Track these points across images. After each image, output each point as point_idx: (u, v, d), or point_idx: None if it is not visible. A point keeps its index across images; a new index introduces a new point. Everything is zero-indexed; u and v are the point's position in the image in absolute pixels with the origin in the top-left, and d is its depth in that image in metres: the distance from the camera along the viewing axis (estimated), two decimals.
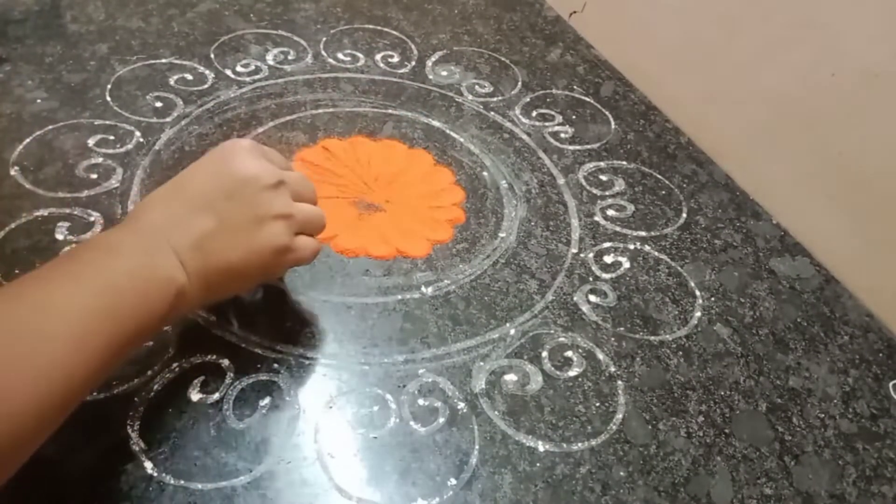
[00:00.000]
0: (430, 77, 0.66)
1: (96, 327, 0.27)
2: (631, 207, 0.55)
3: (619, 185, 0.57)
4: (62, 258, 0.31)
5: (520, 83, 0.67)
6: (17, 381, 0.24)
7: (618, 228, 0.53)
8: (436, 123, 0.60)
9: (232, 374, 0.39)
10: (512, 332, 0.44)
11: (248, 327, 0.41)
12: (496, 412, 0.39)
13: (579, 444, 0.39)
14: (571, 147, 0.61)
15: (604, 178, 0.58)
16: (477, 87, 0.66)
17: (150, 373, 0.38)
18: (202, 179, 0.34)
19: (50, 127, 0.52)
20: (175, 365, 0.38)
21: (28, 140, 0.51)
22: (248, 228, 0.34)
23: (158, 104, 0.56)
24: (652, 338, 0.45)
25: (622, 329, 0.46)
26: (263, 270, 0.36)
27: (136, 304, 0.29)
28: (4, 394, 0.24)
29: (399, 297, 0.45)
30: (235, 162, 0.35)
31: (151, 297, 0.30)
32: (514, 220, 0.52)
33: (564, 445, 0.38)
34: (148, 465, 0.34)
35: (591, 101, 0.67)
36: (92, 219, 0.46)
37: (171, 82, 0.59)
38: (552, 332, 0.44)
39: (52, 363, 0.26)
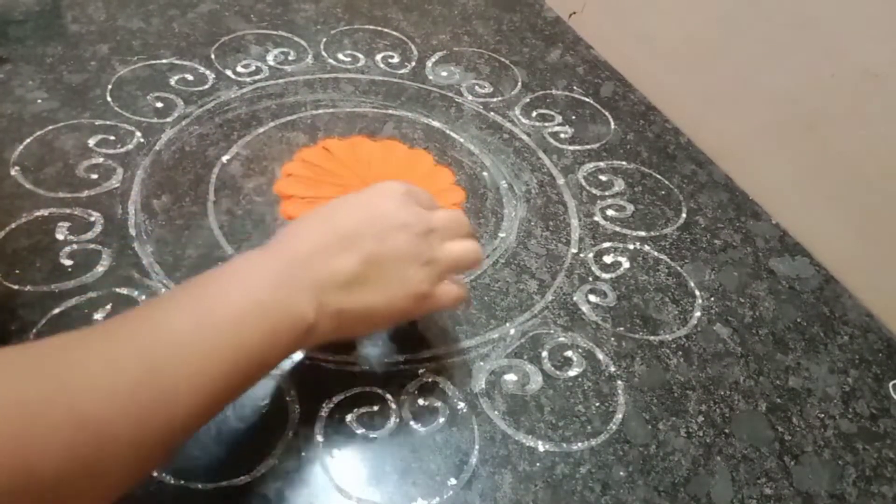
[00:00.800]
0: (430, 77, 0.66)
1: (207, 361, 0.26)
2: (631, 207, 0.55)
3: (619, 185, 0.57)
4: (197, 281, 0.29)
5: (520, 83, 0.67)
6: (110, 414, 0.23)
7: (617, 228, 0.53)
8: (436, 124, 0.60)
9: None
10: (512, 332, 0.44)
11: None
12: (496, 412, 0.39)
13: (579, 444, 0.39)
14: (571, 147, 0.61)
15: (603, 178, 0.58)
16: (477, 87, 0.66)
17: None
18: (351, 217, 0.34)
19: (50, 127, 0.52)
20: None
21: (28, 140, 0.51)
22: (392, 273, 0.33)
23: (159, 104, 0.56)
24: (652, 338, 0.45)
25: (622, 329, 0.46)
26: (400, 316, 0.35)
27: (262, 340, 0.28)
28: (89, 427, 0.23)
29: None
30: (387, 205, 0.34)
31: (279, 334, 0.29)
32: (514, 220, 0.52)
33: (564, 445, 0.38)
34: None
35: (591, 102, 0.67)
36: (92, 219, 0.46)
37: (172, 83, 0.59)
38: (552, 332, 0.44)
39: (154, 397, 0.25)
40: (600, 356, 0.44)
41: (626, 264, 0.50)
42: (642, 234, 0.53)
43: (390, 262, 0.33)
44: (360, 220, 0.33)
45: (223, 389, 0.27)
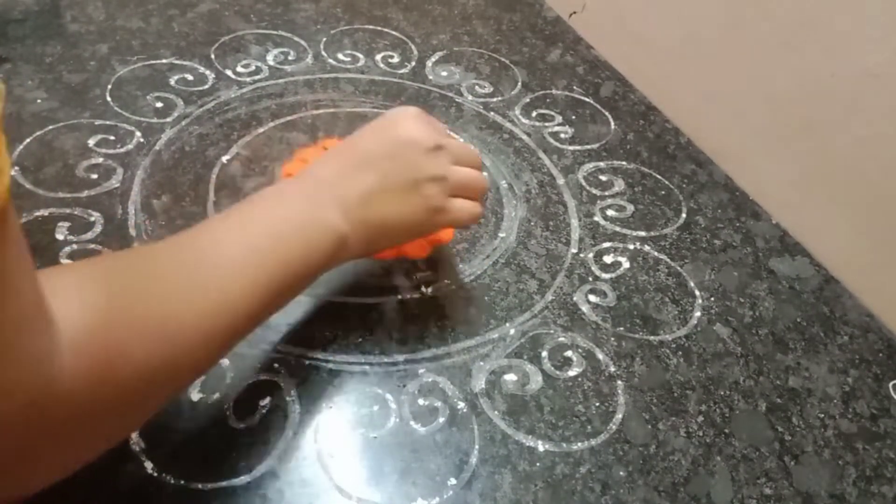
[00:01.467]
0: (430, 77, 0.66)
1: (262, 267, 0.30)
2: (631, 207, 0.55)
3: (619, 185, 0.57)
4: (238, 205, 0.33)
5: (520, 83, 0.67)
6: (191, 312, 0.27)
7: (617, 228, 0.53)
8: None
9: (232, 374, 0.39)
10: (512, 332, 0.44)
11: None
12: (496, 412, 0.39)
13: (579, 444, 0.39)
14: (571, 147, 0.61)
15: (603, 178, 0.58)
16: (477, 87, 0.66)
17: None
18: (368, 140, 0.38)
19: (50, 127, 0.52)
20: None
21: (28, 140, 0.51)
22: (405, 187, 0.37)
23: (159, 104, 0.56)
24: (652, 338, 0.45)
25: (622, 329, 0.46)
26: (419, 228, 0.39)
27: (299, 247, 0.32)
28: (171, 327, 0.26)
29: (399, 297, 0.45)
30: (399, 126, 0.38)
31: (314, 243, 0.33)
32: (514, 220, 0.52)
33: (564, 445, 0.38)
34: (148, 465, 0.34)
35: (591, 102, 0.67)
36: (92, 219, 0.46)
37: (172, 82, 0.59)
38: (552, 332, 0.44)
39: (220, 297, 0.28)
40: (600, 356, 0.44)
41: (626, 264, 0.50)
42: (642, 234, 0.53)
43: (402, 176, 0.37)
44: (374, 141, 0.38)
45: (273, 296, 0.31)
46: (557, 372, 0.42)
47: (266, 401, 0.38)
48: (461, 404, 0.39)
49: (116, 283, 0.25)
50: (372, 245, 0.38)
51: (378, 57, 0.67)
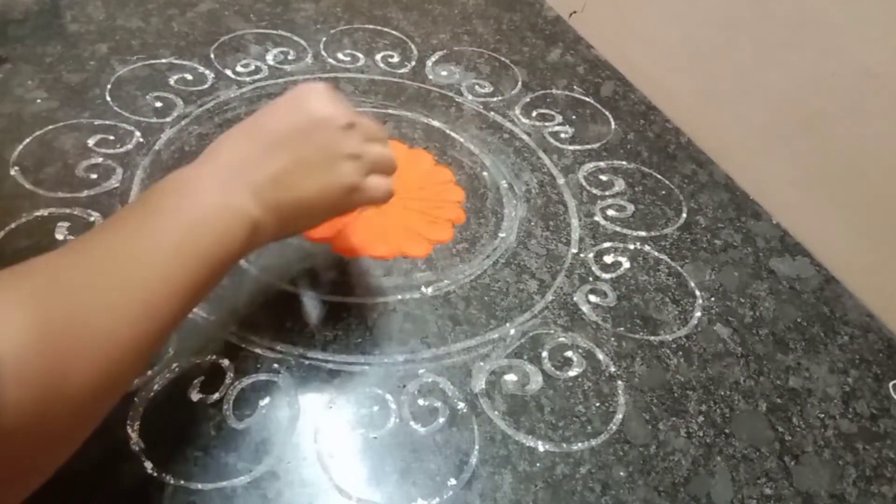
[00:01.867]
0: (430, 77, 0.66)
1: (179, 266, 0.29)
2: (631, 207, 0.55)
3: (619, 185, 0.57)
4: (145, 197, 0.32)
5: (520, 83, 0.67)
6: (117, 325, 0.26)
7: (618, 228, 0.53)
8: (436, 123, 0.60)
9: (232, 374, 0.39)
10: (512, 332, 0.44)
11: (248, 327, 0.41)
12: (496, 412, 0.39)
13: (579, 444, 0.39)
14: (571, 147, 0.61)
15: (604, 178, 0.58)
16: (477, 87, 0.66)
17: (150, 373, 0.38)
18: (278, 119, 0.35)
19: (50, 127, 0.52)
20: (175, 365, 0.38)
21: (28, 140, 0.51)
22: (320, 166, 0.35)
23: (158, 104, 0.56)
24: (652, 338, 0.45)
25: (622, 329, 0.46)
26: (334, 207, 0.37)
27: (214, 240, 0.31)
28: (108, 339, 0.25)
29: (399, 297, 0.45)
30: (311, 103, 0.36)
31: (228, 233, 0.32)
32: (514, 220, 0.52)
33: (564, 445, 0.38)
34: (148, 465, 0.34)
35: (591, 101, 0.67)
36: (92, 219, 0.46)
37: (171, 82, 0.59)
38: (552, 332, 0.44)
39: (145, 305, 0.27)
40: (600, 356, 0.44)
41: (626, 264, 0.50)
42: (643, 234, 0.53)
43: (317, 154, 0.35)
44: (284, 119, 0.35)
45: (193, 291, 0.30)
46: (558, 372, 0.42)
47: (266, 401, 0.38)
48: (461, 404, 0.39)
49: (47, 302, 0.24)
50: (287, 228, 0.36)
51: (378, 56, 0.67)
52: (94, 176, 0.49)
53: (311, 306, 0.44)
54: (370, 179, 0.38)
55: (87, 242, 0.29)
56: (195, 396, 0.37)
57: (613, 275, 0.49)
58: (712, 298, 0.49)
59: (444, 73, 0.67)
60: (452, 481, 0.36)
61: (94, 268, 0.27)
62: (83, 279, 0.26)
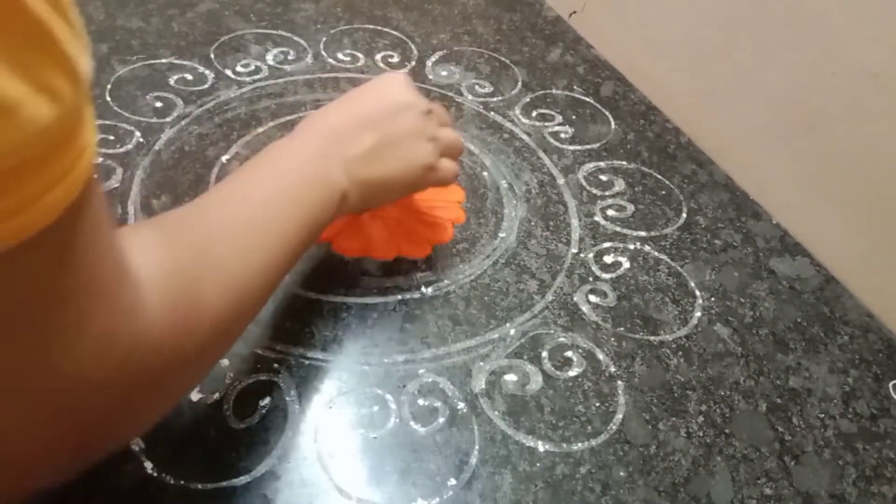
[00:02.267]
0: (430, 77, 0.66)
1: (290, 215, 0.32)
2: (631, 207, 0.55)
3: (619, 185, 0.57)
4: (260, 157, 0.35)
5: (520, 83, 0.67)
6: (243, 255, 0.29)
7: (618, 228, 0.53)
8: None
9: (232, 374, 0.39)
10: (512, 332, 0.44)
11: (248, 327, 0.41)
12: (496, 412, 0.39)
13: (579, 444, 0.39)
14: (571, 147, 0.61)
15: (604, 178, 0.58)
16: (477, 87, 0.66)
17: None
18: (368, 101, 0.40)
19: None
20: None
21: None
22: (405, 146, 0.39)
23: (158, 104, 0.56)
24: (652, 338, 0.45)
25: (622, 329, 0.46)
26: (412, 184, 0.41)
27: (315, 197, 0.34)
28: (236, 266, 0.28)
29: (399, 297, 0.45)
30: (395, 90, 0.40)
31: (324, 196, 0.35)
32: (514, 220, 0.52)
33: (564, 445, 0.38)
34: (148, 465, 0.34)
35: (591, 101, 0.67)
36: None
37: (171, 82, 0.59)
38: (552, 332, 0.44)
39: (268, 241, 0.31)
40: (600, 356, 0.44)
41: (626, 264, 0.50)
42: (642, 234, 0.53)
43: (402, 137, 0.39)
44: (374, 104, 0.39)
45: (297, 244, 0.33)
46: (557, 372, 0.42)
47: (266, 401, 0.38)
48: (461, 404, 0.39)
49: (182, 238, 0.27)
50: (368, 201, 0.39)
51: (378, 56, 0.67)
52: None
53: None
54: (442, 161, 0.42)
55: (211, 195, 0.32)
56: (195, 396, 0.37)
57: (613, 275, 0.49)
58: (712, 298, 0.49)
59: (444, 73, 0.67)
60: (452, 481, 0.36)
61: (221, 209, 0.31)
62: (214, 221, 0.30)
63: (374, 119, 0.39)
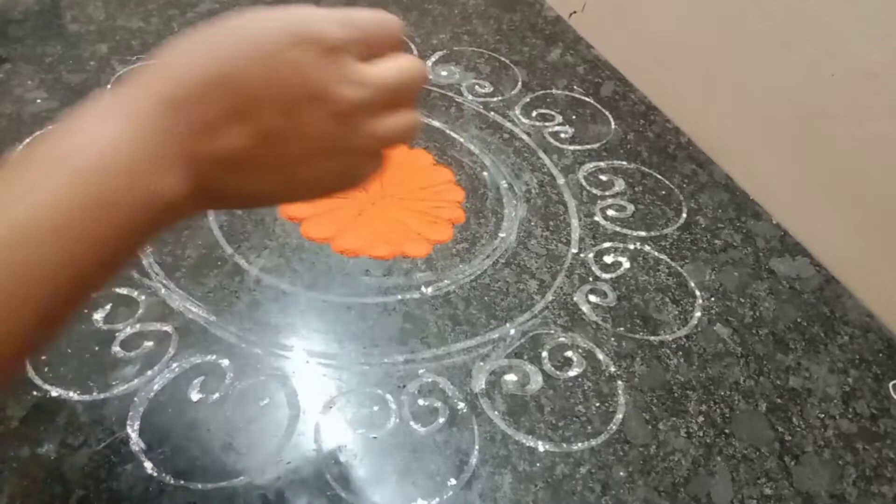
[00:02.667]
0: (430, 77, 0.66)
1: (55, 259, 0.20)
2: (631, 207, 0.55)
3: (619, 185, 0.57)
4: (39, 143, 0.22)
5: (520, 83, 0.67)
6: None
7: (618, 228, 0.53)
8: (436, 123, 0.60)
9: (232, 374, 0.39)
10: (512, 332, 0.44)
11: (248, 327, 0.41)
12: (496, 412, 0.39)
13: (579, 444, 0.39)
14: (571, 147, 0.61)
15: (604, 178, 0.58)
16: (477, 87, 0.66)
17: (150, 373, 0.38)
18: (259, 74, 0.23)
19: (50, 127, 0.52)
20: (175, 365, 0.38)
21: (28, 140, 0.51)
22: (296, 163, 0.25)
23: None
24: (652, 338, 0.45)
25: (622, 329, 0.46)
26: (304, 201, 0.28)
27: (105, 231, 0.21)
28: None
29: (399, 297, 0.45)
30: (308, 64, 0.23)
31: (127, 223, 0.22)
32: (514, 220, 0.52)
33: (564, 445, 0.38)
34: (148, 465, 0.34)
35: (591, 101, 0.67)
36: None
37: None
38: (552, 332, 0.44)
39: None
40: (600, 356, 0.44)
41: (626, 264, 0.50)
42: (642, 234, 0.53)
43: (299, 145, 0.24)
44: (266, 80, 0.23)
45: (59, 304, 0.21)
46: (557, 372, 0.42)
47: (266, 401, 0.38)
48: (461, 404, 0.39)
49: None
50: (224, 206, 0.28)
51: None
52: None
53: None
54: (381, 125, 0.26)
55: None
56: (195, 396, 0.37)
57: (613, 275, 0.49)
58: (712, 298, 0.49)
59: (444, 73, 0.67)
60: (452, 481, 0.36)
61: None
62: None
63: (257, 105, 0.23)
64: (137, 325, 0.40)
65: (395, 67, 0.26)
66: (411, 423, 0.38)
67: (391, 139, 0.27)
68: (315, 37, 0.23)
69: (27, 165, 0.21)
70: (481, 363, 0.42)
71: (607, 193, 0.56)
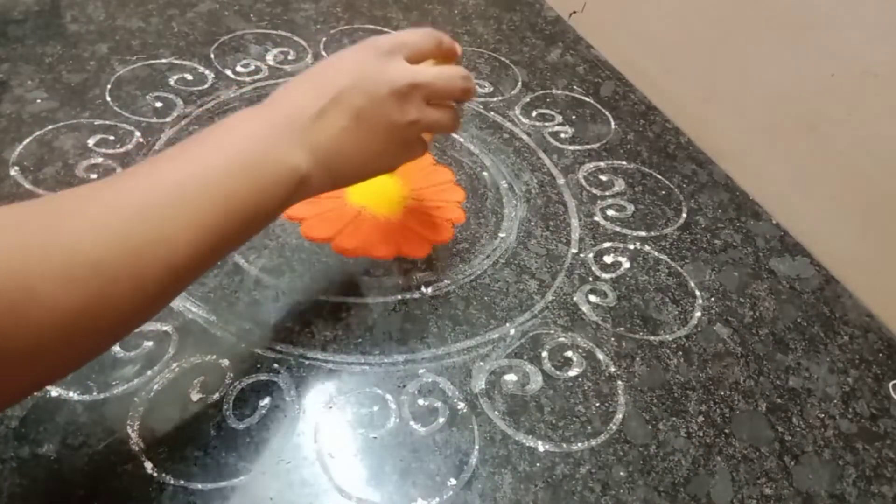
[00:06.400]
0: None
1: (203, 202, 0.28)
2: (631, 207, 0.55)
3: (619, 185, 0.57)
4: (199, 136, 0.31)
5: (520, 83, 0.67)
6: (115, 250, 0.25)
7: (618, 228, 0.53)
8: None
9: (232, 374, 0.39)
10: (512, 332, 0.44)
11: (249, 327, 0.41)
12: (496, 412, 0.39)
13: (579, 444, 0.39)
14: (571, 147, 0.61)
15: (604, 178, 0.58)
16: (477, 86, 0.66)
17: (150, 373, 0.38)
18: (342, 77, 0.35)
19: (50, 127, 0.52)
20: (175, 365, 0.38)
21: (28, 140, 0.51)
22: (380, 130, 0.35)
23: (158, 104, 0.56)
24: (652, 338, 0.45)
25: (622, 329, 0.46)
26: (390, 167, 0.39)
27: (253, 191, 0.30)
28: (100, 262, 0.24)
29: (399, 297, 0.45)
30: (374, 63, 0.36)
31: (271, 186, 0.31)
32: (514, 220, 0.52)
33: (564, 445, 0.38)
34: (148, 465, 0.34)
35: (591, 101, 0.67)
36: None
37: (171, 82, 0.59)
38: (552, 332, 0.44)
39: (153, 235, 0.26)
40: (600, 356, 0.44)
41: (626, 264, 0.50)
42: (642, 234, 0.53)
43: (377, 118, 0.35)
44: (348, 78, 0.35)
45: (218, 237, 0.29)
46: (557, 372, 0.42)
47: (266, 401, 0.38)
48: (461, 404, 0.39)
49: (37, 222, 0.24)
50: (339, 183, 0.37)
51: None
52: (93, 176, 0.49)
53: None
54: (429, 115, 0.37)
55: (120, 174, 0.29)
56: (195, 396, 0.37)
57: (613, 275, 0.49)
58: (712, 298, 0.49)
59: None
60: (452, 481, 0.36)
61: (105, 195, 0.26)
62: (86, 206, 0.26)
63: (345, 96, 0.34)
64: None
65: (434, 67, 0.38)
66: (411, 423, 0.38)
67: (434, 124, 0.38)
68: (372, 44, 0.36)
69: (191, 143, 0.30)
70: (481, 363, 0.42)
71: (607, 193, 0.56)
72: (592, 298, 0.47)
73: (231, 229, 0.29)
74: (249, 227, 0.31)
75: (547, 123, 0.63)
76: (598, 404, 0.41)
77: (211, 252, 0.29)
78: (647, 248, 0.52)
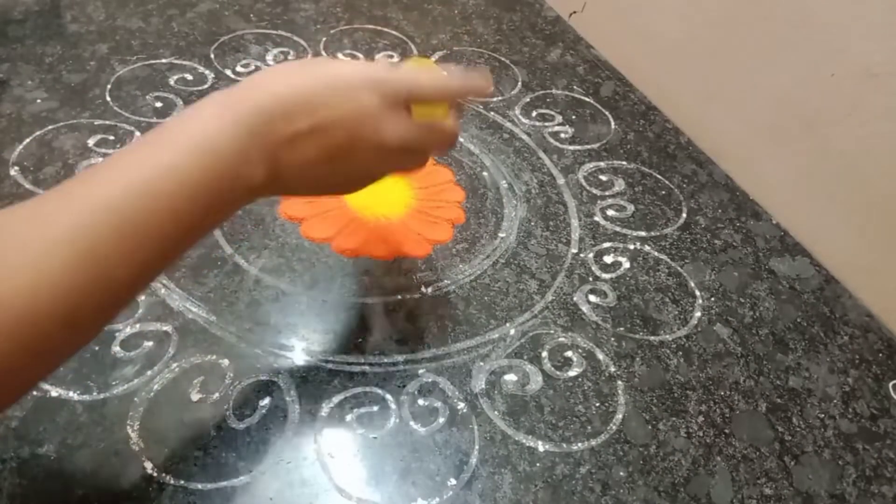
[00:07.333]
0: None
1: (153, 235, 0.26)
2: (631, 207, 0.55)
3: (619, 185, 0.57)
4: (156, 129, 0.28)
5: (520, 83, 0.67)
6: (62, 296, 0.23)
7: (618, 228, 0.53)
8: None
9: (232, 374, 0.39)
10: (512, 332, 0.44)
11: (249, 327, 0.41)
12: (496, 412, 0.39)
13: (579, 444, 0.39)
14: (571, 147, 0.61)
15: (604, 178, 0.58)
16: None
17: (150, 373, 0.38)
18: (331, 106, 0.31)
19: (50, 127, 0.52)
20: (175, 365, 0.38)
21: (28, 140, 0.51)
22: (358, 165, 0.33)
23: (158, 104, 0.56)
24: (652, 338, 0.45)
25: (622, 329, 0.46)
26: (360, 188, 0.36)
27: (206, 189, 0.27)
28: (42, 309, 0.23)
29: (399, 297, 0.45)
30: (369, 103, 0.32)
31: (224, 204, 0.29)
32: (514, 220, 0.52)
33: (564, 445, 0.38)
34: (148, 465, 0.34)
35: (591, 101, 0.67)
36: None
37: (171, 82, 0.59)
38: (552, 332, 0.44)
39: (97, 278, 0.24)
40: (600, 356, 0.44)
41: (626, 264, 0.50)
42: (642, 234, 0.53)
43: (351, 163, 0.32)
44: (340, 113, 0.31)
45: (159, 259, 0.27)
46: (557, 372, 0.42)
47: (266, 401, 0.38)
48: (461, 405, 0.39)
49: None
50: (287, 196, 0.36)
51: (378, 57, 0.67)
52: None
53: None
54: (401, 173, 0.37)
55: (67, 184, 0.26)
56: (195, 396, 0.37)
57: (613, 275, 0.49)
58: (712, 298, 0.49)
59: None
60: (452, 481, 0.36)
61: (41, 230, 0.24)
62: (20, 240, 0.23)
63: (331, 128, 0.31)
64: (137, 325, 0.40)
65: (427, 128, 0.35)
66: (411, 423, 0.38)
67: (402, 172, 0.38)
68: (381, 85, 0.32)
69: (154, 138, 0.28)
70: (481, 363, 0.42)
71: (607, 193, 0.56)
72: (592, 298, 0.47)
73: (171, 250, 0.28)
74: (188, 246, 0.29)
75: (547, 123, 0.63)
76: (598, 404, 0.41)
77: (150, 276, 0.28)
78: (647, 248, 0.52)
